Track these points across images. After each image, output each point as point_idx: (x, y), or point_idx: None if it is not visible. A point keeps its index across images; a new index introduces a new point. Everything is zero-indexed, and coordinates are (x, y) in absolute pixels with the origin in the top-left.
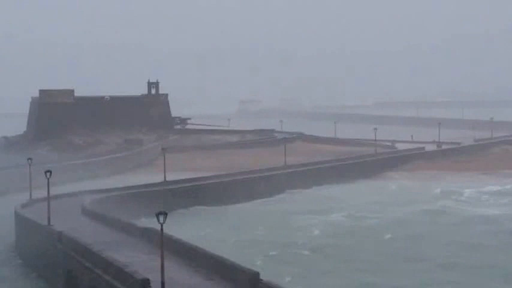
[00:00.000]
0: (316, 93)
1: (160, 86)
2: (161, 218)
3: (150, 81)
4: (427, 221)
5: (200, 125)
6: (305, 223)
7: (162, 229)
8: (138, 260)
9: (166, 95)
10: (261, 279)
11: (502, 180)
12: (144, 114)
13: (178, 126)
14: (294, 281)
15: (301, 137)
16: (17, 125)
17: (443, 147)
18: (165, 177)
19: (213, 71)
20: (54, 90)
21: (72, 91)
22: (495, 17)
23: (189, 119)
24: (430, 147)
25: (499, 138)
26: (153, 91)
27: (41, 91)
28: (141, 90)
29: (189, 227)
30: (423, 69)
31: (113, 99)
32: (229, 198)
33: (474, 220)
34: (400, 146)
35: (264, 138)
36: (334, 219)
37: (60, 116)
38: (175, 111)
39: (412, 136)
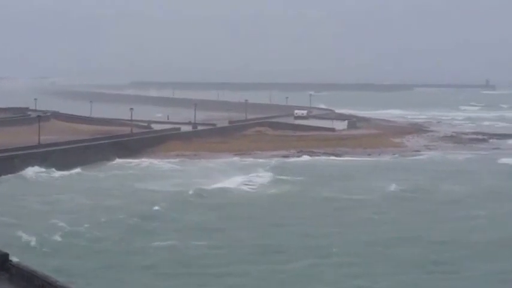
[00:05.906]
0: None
1: None
2: None
3: None
4: None
5: None
6: None
7: None
8: None
9: None
10: (11, 260)
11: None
12: None
13: None
14: None
15: (56, 115)
16: None
17: (199, 128)
18: None
19: None
20: None
21: None
22: None
23: None
24: (185, 128)
25: (252, 120)
26: None
27: None
28: None
29: None
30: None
31: None
32: None
33: None
34: (157, 127)
35: (17, 116)
36: None
37: None
38: None
39: (168, 116)
